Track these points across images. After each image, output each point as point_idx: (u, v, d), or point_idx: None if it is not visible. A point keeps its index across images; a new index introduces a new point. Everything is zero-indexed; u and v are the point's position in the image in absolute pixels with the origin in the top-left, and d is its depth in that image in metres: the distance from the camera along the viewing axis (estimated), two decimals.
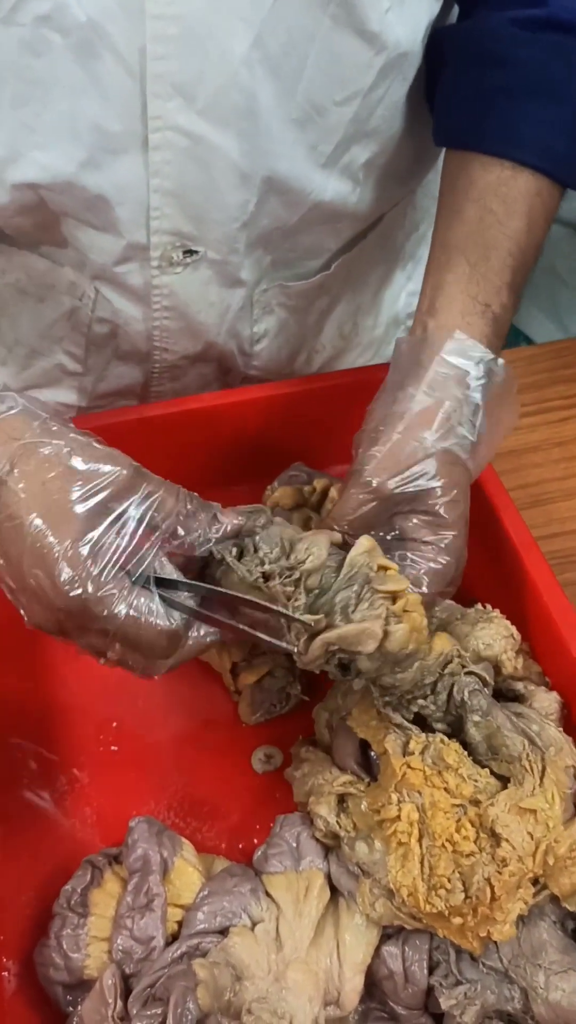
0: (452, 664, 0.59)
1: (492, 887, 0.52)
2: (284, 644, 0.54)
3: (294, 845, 0.61)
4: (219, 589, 0.54)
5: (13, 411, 0.53)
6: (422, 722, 0.60)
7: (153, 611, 0.51)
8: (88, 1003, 0.55)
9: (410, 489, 0.59)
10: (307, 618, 0.53)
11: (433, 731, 0.59)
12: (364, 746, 0.62)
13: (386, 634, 0.52)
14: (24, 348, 0.83)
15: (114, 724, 0.71)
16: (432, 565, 0.58)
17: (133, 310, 0.76)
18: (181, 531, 0.53)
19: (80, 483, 0.50)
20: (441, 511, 0.59)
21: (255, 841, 0.65)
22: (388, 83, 0.68)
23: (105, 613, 0.49)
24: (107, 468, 0.51)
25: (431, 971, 0.57)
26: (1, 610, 0.76)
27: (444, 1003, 0.56)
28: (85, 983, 0.57)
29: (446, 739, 0.58)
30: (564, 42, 0.65)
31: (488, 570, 0.71)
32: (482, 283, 0.63)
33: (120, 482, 0.51)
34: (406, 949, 0.57)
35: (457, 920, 0.52)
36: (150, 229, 0.69)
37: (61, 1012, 0.58)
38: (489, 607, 0.68)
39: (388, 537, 0.60)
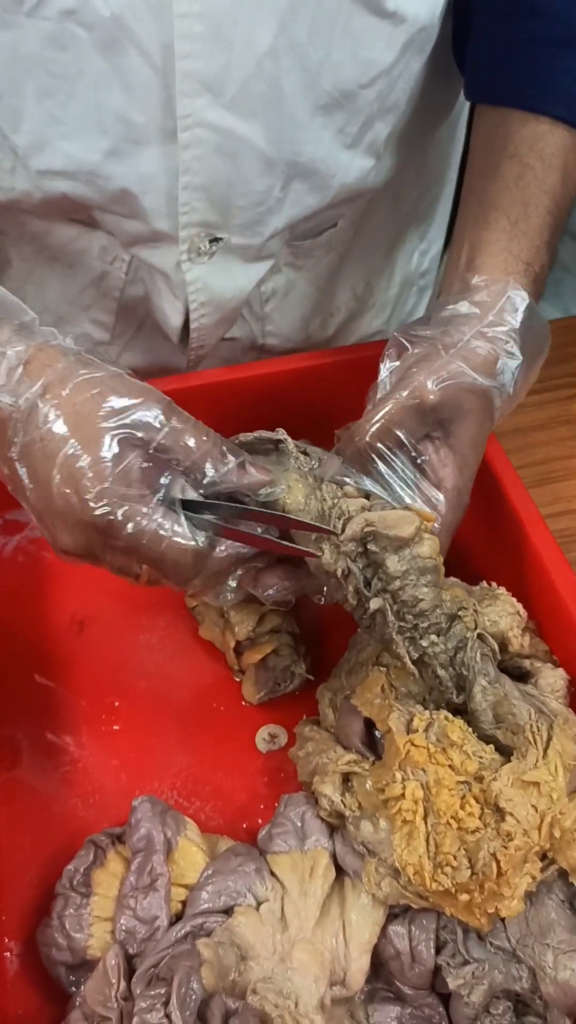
0: (467, 614, 0.58)
1: (498, 862, 0.51)
2: (309, 549, 0.55)
3: (299, 824, 0.60)
4: (244, 506, 0.55)
5: (50, 342, 0.54)
6: (425, 701, 0.60)
7: (178, 530, 0.51)
8: (91, 983, 0.55)
9: (445, 417, 0.59)
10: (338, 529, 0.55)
11: (440, 706, 0.59)
12: (368, 725, 0.62)
13: (419, 537, 0.55)
14: (50, 316, 0.83)
15: (116, 704, 0.70)
16: (443, 507, 0.59)
17: (165, 283, 0.76)
18: (209, 469, 0.53)
19: (112, 409, 0.51)
20: (465, 451, 0.59)
21: (259, 821, 0.65)
22: (408, 58, 0.68)
23: (131, 529, 0.50)
24: (139, 399, 0.52)
25: (438, 951, 0.56)
26: (2, 589, 0.76)
27: (451, 983, 0.55)
28: (88, 963, 0.57)
29: (450, 716, 0.57)
30: None
31: (495, 548, 0.70)
32: (523, 241, 0.63)
33: (152, 413, 0.52)
34: (412, 929, 0.56)
35: (464, 897, 0.52)
36: (179, 223, 0.70)
37: (64, 992, 0.58)
38: (495, 585, 0.67)
39: (399, 462, 0.60)
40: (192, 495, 0.53)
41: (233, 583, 0.57)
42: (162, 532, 0.51)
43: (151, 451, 0.52)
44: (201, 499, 0.53)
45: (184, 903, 0.58)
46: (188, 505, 0.53)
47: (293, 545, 0.56)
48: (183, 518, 0.52)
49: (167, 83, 0.62)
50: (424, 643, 0.57)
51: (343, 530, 0.55)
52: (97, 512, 0.50)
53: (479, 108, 0.70)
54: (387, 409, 0.58)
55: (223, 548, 0.54)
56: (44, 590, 0.77)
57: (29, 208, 0.72)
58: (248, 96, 0.63)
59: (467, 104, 0.85)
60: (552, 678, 0.63)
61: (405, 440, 0.59)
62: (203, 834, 0.62)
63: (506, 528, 0.69)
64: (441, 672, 0.58)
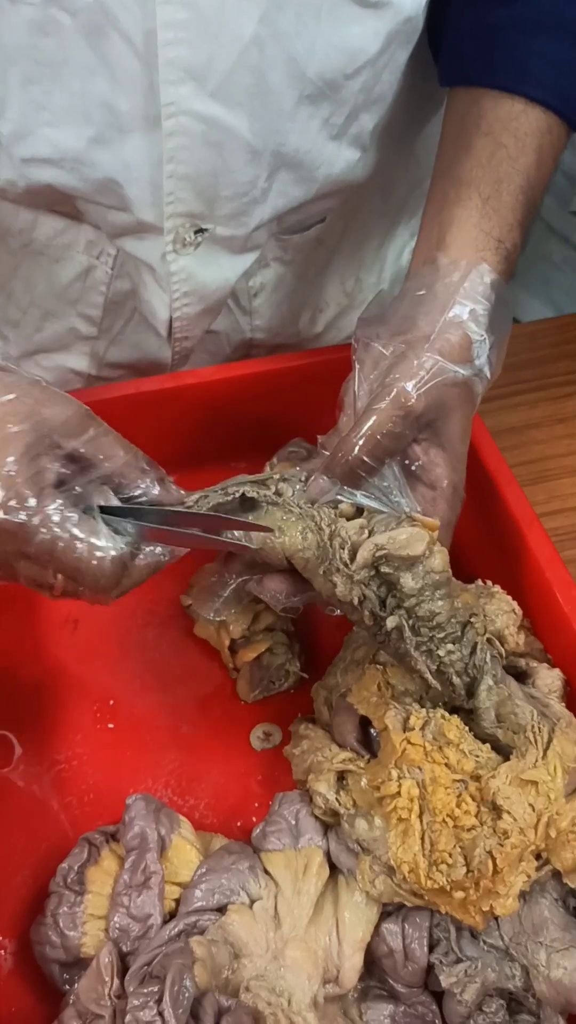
0: (477, 620, 0.58)
1: (494, 860, 0.51)
2: (243, 542, 0.55)
3: (293, 823, 0.60)
4: (172, 509, 0.54)
5: None
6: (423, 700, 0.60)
7: (94, 537, 0.50)
8: (85, 981, 0.55)
9: (432, 417, 0.58)
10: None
11: (437, 705, 0.59)
12: (364, 724, 0.62)
13: (430, 552, 0.55)
14: (38, 310, 0.83)
15: (111, 702, 0.70)
16: (441, 506, 0.58)
17: (150, 277, 0.76)
18: (125, 480, 0.53)
19: (29, 414, 0.50)
20: (456, 448, 0.59)
21: (253, 819, 0.65)
22: (393, 49, 0.68)
23: (43, 535, 0.49)
24: (57, 406, 0.51)
25: (431, 949, 0.56)
26: None
27: (444, 981, 0.55)
28: (82, 961, 0.57)
29: (447, 715, 0.57)
30: None
31: (490, 546, 0.70)
32: (495, 218, 0.62)
33: (70, 421, 0.51)
34: (406, 927, 0.57)
35: (459, 894, 0.52)
36: (164, 213, 0.69)
37: (58, 990, 0.58)
38: (491, 583, 0.67)
39: (395, 468, 0.59)
40: (114, 501, 0.52)
41: (224, 594, 0.57)
42: (77, 538, 0.49)
43: (67, 459, 0.51)
44: (122, 505, 0.52)
45: (178, 901, 0.58)
46: (108, 512, 0.51)
47: (226, 540, 0.54)
48: (101, 524, 0.50)
49: (151, 70, 0.61)
50: (441, 653, 0.56)
51: (351, 558, 0.55)
52: (5, 516, 0.48)
53: (452, 91, 0.69)
54: (372, 421, 0.56)
55: (143, 556, 0.53)
56: None
57: (13, 198, 0.71)
58: (233, 85, 0.63)
59: None
60: (549, 679, 0.63)
61: (395, 449, 0.57)
62: (197, 832, 0.62)
63: (501, 526, 0.69)
64: (456, 680, 0.57)
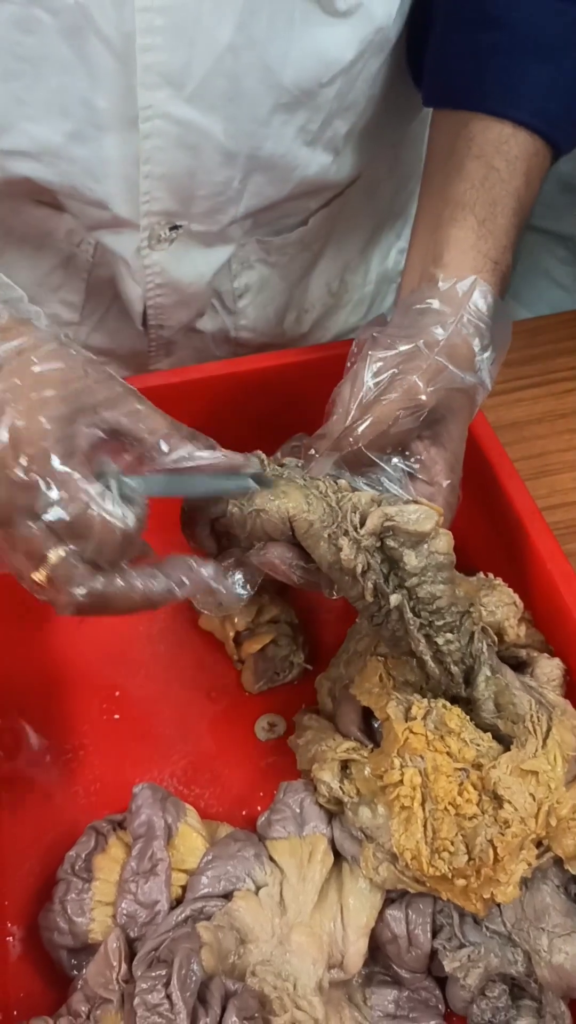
0: (475, 610, 0.59)
1: (495, 848, 0.52)
2: (231, 481, 0.54)
3: (297, 811, 0.61)
4: (183, 478, 0.53)
5: (32, 320, 0.53)
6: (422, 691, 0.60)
7: (109, 506, 0.49)
8: (93, 966, 0.56)
9: (438, 414, 0.59)
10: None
11: (438, 695, 0.59)
12: (366, 714, 0.62)
13: (436, 532, 0.55)
14: None
15: (117, 693, 0.71)
16: (439, 501, 0.59)
17: (126, 269, 0.76)
18: (164, 448, 0.52)
19: (75, 381, 0.50)
20: (456, 449, 0.60)
21: (258, 808, 0.66)
22: (366, 58, 0.68)
23: (58, 497, 0.48)
24: (104, 378, 0.51)
25: (434, 934, 0.57)
26: (1, 580, 0.77)
27: (448, 966, 0.56)
28: (89, 947, 0.58)
29: (448, 704, 0.58)
30: (557, 5, 0.64)
31: (492, 539, 0.71)
32: (490, 240, 0.63)
33: (114, 393, 0.51)
34: (409, 913, 0.57)
35: (461, 882, 0.53)
36: (140, 212, 0.70)
37: (66, 976, 0.59)
38: (492, 576, 0.67)
39: (396, 460, 0.60)
40: (135, 479, 0.52)
41: (239, 576, 0.57)
42: (92, 505, 0.49)
43: (106, 430, 0.51)
44: (136, 480, 0.52)
45: (184, 888, 0.59)
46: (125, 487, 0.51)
47: (219, 480, 0.54)
48: (117, 496, 0.50)
49: (128, 72, 0.62)
50: (439, 640, 0.56)
51: (361, 524, 0.54)
52: (31, 469, 0.48)
53: (438, 112, 0.70)
54: (380, 411, 0.57)
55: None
56: None
57: None
58: (208, 91, 0.64)
59: None
60: (548, 668, 0.63)
61: (397, 442, 0.58)
62: (203, 820, 0.63)
63: (503, 520, 0.70)
64: (454, 668, 0.57)
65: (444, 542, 0.55)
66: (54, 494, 0.48)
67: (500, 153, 0.64)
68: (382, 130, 0.78)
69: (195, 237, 0.74)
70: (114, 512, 0.50)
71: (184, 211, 0.71)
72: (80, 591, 0.50)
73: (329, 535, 0.54)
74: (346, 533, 0.54)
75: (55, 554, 0.49)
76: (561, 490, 0.85)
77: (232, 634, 0.71)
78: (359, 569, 0.54)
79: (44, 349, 0.51)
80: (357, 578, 0.54)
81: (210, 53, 0.62)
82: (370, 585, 0.54)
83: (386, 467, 0.58)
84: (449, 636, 0.57)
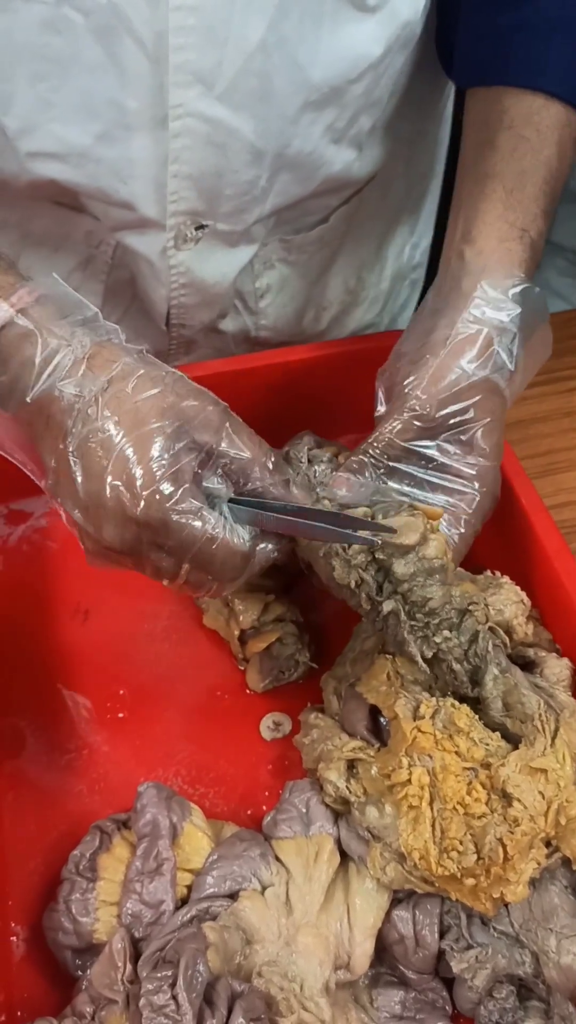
0: (477, 609, 0.59)
1: (504, 847, 0.51)
2: (370, 538, 0.56)
3: (304, 810, 0.61)
4: (297, 506, 0.56)
5: (112, 339, 0.54)
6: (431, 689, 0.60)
7: (230, 532, 0.52)
8: (97, 967, 0.55)
9: (454, 419, 0.60)
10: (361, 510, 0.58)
11: (446, 694, 0.59)
12: (373, 713, 0.62)
13: (424, 540, 0.56)
14: None
15: (121, 691, 0.71)
16: (471, 496, 0.60)
17: (149, 270, 0.76)
18: (256, 478, 0.54)
19: (171, 409, 0.51)
20: (481, 442, 0.60)
21: (264, 808, 0.65)
22: (393, 54, 0.69)
23: (184, 530, 0.51)
24: (197, 402, 0.52)
25: (442, 935, 0.57)
26: (7, 578, 0.77)
27: (455, 967, 0.55)
28: (94, 947, 0.57)
29: (456, 703, 0.58)
30: None
31: (499, 538, 0.70)
32: (519, 209, 0.63)
33: (208, 415, 0.52)
34: (417, 913, 0.57)
35: (470, 881, 0.52)
36: (167, 212, 0.70)
37: (70, 976, 0.58)
38: (499, 574, 0.67)
39: (417, 465, 0.61)
40: (234, 497, 0.54)
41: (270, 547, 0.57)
42: (214, 533, 0.52)
43: (203, 453, 0.52)
44: (249, 499, 0.54)
45: (189, 888, 0.58)
46: (235, 503, 0.54)
47: (354, 534, 0.55)
48: (231, 518, 0.53)
49: (159, 72, 0.62)
50: (438, 639, 0.57)
51: (350, 544, 0.57)
52: (152, 511, 0.50)
53: (471, 91, 0.71)
54: (393, 427, 0.60)
55: (263, 548, 0.55)
56: (49, 580, 0.77)
57: (14, 192, 0.72)
58: (239, 89, 0.64)
59: (452, 99, 0.86)
60: (557, 668, 0.63)
61: (417, 449, 0.60)
62: (208, 820, 0.62)
63: (510, 518, 0.70)
64: (456, 667, 0.58)
65: (433, 548, 0.57)
66: (177, 529, 0.51)
67: (531, 124, 0.65)
68: (400, 126, 0.78)
69: (220, 237, 0.74)
70: (234, 540, 0.53)
71: (210, 210, 0.71)
72: (208, 593, 0.55)
73: (324, 554, 0.58)
74: (337, 554, 0.57)
75: (183, 575, 0.53)
76: (567, 488, 0.85)
77: (237, 632, 0.70)
78: (352, 584, 0.57)
79: (135, 376, 0.52)
80: (353, 591, 0.57)
81: (241, 52, 0.62)
82: (364, 595, 0.57)
83: (414, 471, 0.60)
84: (447, 634, 0.58)
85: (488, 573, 0.67)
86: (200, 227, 0.72)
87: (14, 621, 0.74)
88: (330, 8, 0.63)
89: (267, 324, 0.86)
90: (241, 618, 0.70)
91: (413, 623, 0.57)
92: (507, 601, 0.65)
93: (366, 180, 0.80)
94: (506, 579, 0.67)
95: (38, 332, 0.52)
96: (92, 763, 0.67)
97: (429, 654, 0.58)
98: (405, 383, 0.60)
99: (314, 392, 0.78)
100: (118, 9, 0.60)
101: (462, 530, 0.60)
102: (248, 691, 0.71)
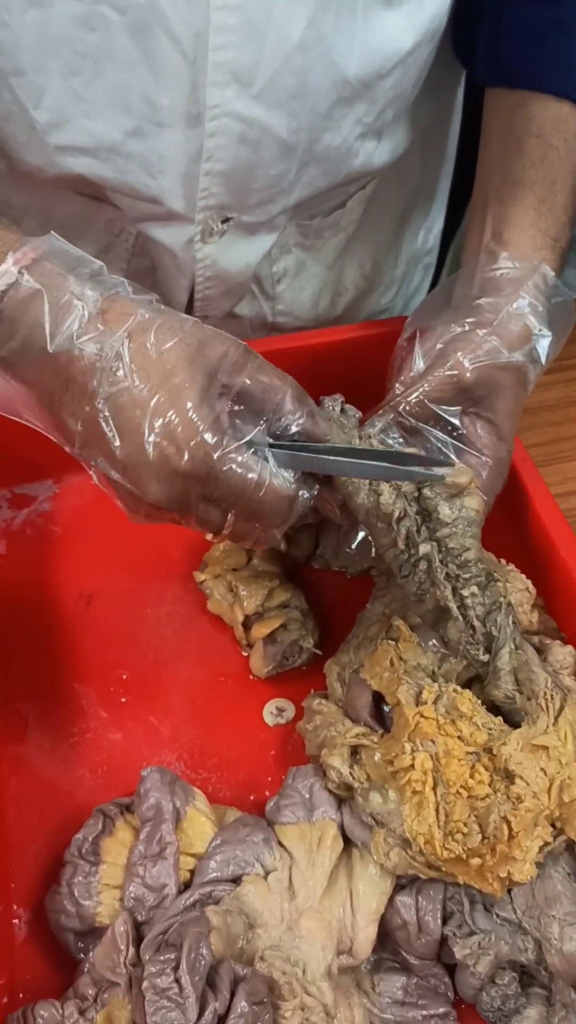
0: (500, 581, 0.60)
1: (509, 824, 0.51)
2: (427, 472, 0.56)
3: (307, 796, 0.60)
4: (348, 447, 0.56)
5: (120, 292, 0.53)
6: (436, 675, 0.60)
7: (275, 476, 0.52)
8: (100, 949, 0.55)
9: (483, 393, 0.61)
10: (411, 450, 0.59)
11: (447, 680, 0.59)
12: (377, 699, 0.62)
13: (470, 490, 0.58)
14: None
15: (124, 676, 0.71)
16: (485, 473, 0.62)
17: (171, 261, 0.76)
18: (287, 415, 0.54)
19: (196, 356, 0.50)
20: (500, 423, 0.62)
21: (267, 793, 0.65)
22: (421, 47, 0.69)
23: (231, 477, 0.50)
24: (220, 344, 0.52)
25: (445, 921, 0.57)
26: (10, 562, 0.77)
27: (458, 952, 0.55)
28: (96, 930, 0.57)
29: (459, 688, 0.58)
30: None
31: (505, 526, 0.70)
32: (550, 218, 0.65)
33: (231, 356, 0.52)
34: (420, 899, 0.57)
35: (476, 861, 0.52)
36: (197, 207, 0.70)
37: (72, 959, 0.58)
38: (505, 562, 0.67)
39: (444, 431, 0.62)
40: (270, 440, 0.54)
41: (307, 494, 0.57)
42: (261, 478, 0.51)
43: (234, 396, 0.52)
44: (289, 443, 0.54)
45: (192, 872, 0.58)
46: (276, 448, 0.53)
47: (411, 469, 0.55)
48: (273, 462, 0.52)
49: (196, 70, 0.62)
50: (465, 592, 0.58)
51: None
52: (198, 463, 0.49)
53: (494, 90, 0.71)
54: (425, 386, 0.61)
55: (302, 495, 0.55)
56: (52, 564, 0.77)
57: (39, 181, 0.71)
58: (275, 88, 0.64)
59: (462, 80, 0.86)
60: (562, 655, 0.63)
61: (443, 414, 0.61)
62: (211, 805, 0.62)
63: (516, 506, 0.69)
64: (476, 624, 0.58)
65: (477, 500, 0.58)
66: (225, 479, 0.50)
67: (559, 132, 0.65)
68: (419, 113, 0.78)
69: (243, 227, 0.74)
70: (280, 484, 0.52)
71: (237, 204, 0.71)
72: (254, 541, 0.55)
73: (371, 480, 0.57)
74: (387, 481, 0.57)
75: (230, 523, 0.53)
76: (574, 476, 0.85)
77: (241, 618, 0.70)
78: (396, 515, 0.57)
79: (154, 328, 0.51)
80: (392, 524, 0.57)
81: (281, 50, 0.62)
82: (403, 531, 0.57)
83: (432, 438, 0.61)
84: (475, 590, 0.58)
85: (494, 561, 0.67)
86: (226, 220, 0.72)
87: (17, 605, 0.74)
88: (362, 3, 0.63)
89: (283, 309, 0.85)
90: (245, 603, 0.70)
91: (447, 571, 0.58)
92: (512, 589, 0.65)
93: (385, 167, 0.80)
94: (511, 567, 0.67)
95: (45, 291, 0.50)
96: (95, 747, 0.67)
97: (458, 603, 0.58)
98: (449, 347, 0.61)
99: (330, 377, 0.78)
100: (156, 7, 0.59)
101: (485, 497, 0.61)
102: (252, 677, 0.71)
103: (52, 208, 0.76)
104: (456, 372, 0.60)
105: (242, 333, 0.86)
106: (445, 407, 0.61)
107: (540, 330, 0.62)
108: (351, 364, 0.77)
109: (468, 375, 0.60)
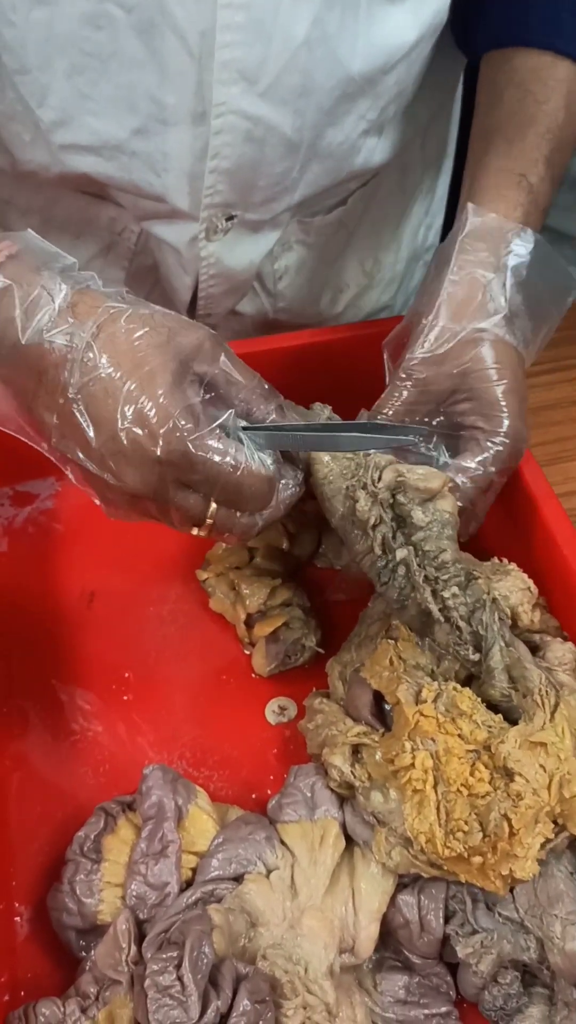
0: (481, 577, 0.60)
1: (509, 822, 0.51)
2: (404, 438, 0.57)
3: (309, 795, 0.60)
4: (309, 424, 0.56)
5: (90, 286, 0.53)
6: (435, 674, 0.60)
7: (251, 458, 0.52)
8: (102, 947, 0.55)
9: (457, 381, 0.61)
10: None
11: (447, 679, 0.59)
12: (378, 698, 0.62)
13: (443, 493, 0.58)
14: None
15: (126, 674, 0.71)
16: (491, 448, 0.61)
17: (175, 259, 0.76)
18: (255, 407, 0.54)
19: (167, 344, 0.51)
20: (495, 396, 0.61)
21: (268, 792, 0.65)
22: (424, 42, 0.69)
23: (207, 462, 0.50)
24: (191, 334, 0.52)
25: (447, 920, 0.57)
26: (12, 560, 0.76)
27: (460, 951, 0.55)
28: (98, 928, 0.57)
29: (459, 686, 0.58)
30: None
31: (507, 525, 0.70)
32: (518, 157, 0.64)
33: (203, 346, 0.52)
34: (422, 898, 0.57)
35: (477, 859, 0.52)
36: (202, 204, 0.70)
37: (74, 957, 0.58)
38: (506, 561, 0.67)
39: (434, 423, 0.63)
40: (243, 424, 0.54)
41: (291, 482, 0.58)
42: (237, 460, 0.51)
43: (204, 384, 0.52)
44: (263, 425, 0.54)
45: (194, 870, 0.58)
46: (250, 432, 0.54)
47: (389, 436, 0.56)
48: (250, 445, 0.53)
49: (202, 69, 0.62)
50: (446, 594, 0.58)
51: (380, 478, 0.57)
52: (172, 447, 0.49)
53: (485, 57, 0.72)
54: (395, 397, 0.62)
55: (284, 483, 0.55)
56: (55, 562, 0.77)
57: (41, 181, 0.71)
58: (281, 86, 0.64)
59: (461, 77, 0.86)
60: (561, 651, 0.63)
61: (426, 411, 0.61)
62: (213, 803, 0.62)
63: (518, 506, 0.69)
64: (462, 624, 0.58)
65: (449, 503, 0.58)
66: (200, 461, 0.50)
67: (539, 79, 0.66)
68: (419, 109, 0.78)
69: (247, 225, 0.74)
70: (256, 466, 0.52)
71: (241, 201, 0.71)
72: (238, 531, 0.54)
73: (347, 487, 0.58)
74: (364, 487, 0.57)
75: (211, 513, 0.53)
76: (575, 476, 0.84)
77: (243, 616, 0.70)
78: (372, 521, 0.57)
79: (124, 317, 0.51)
80: (368, 531, 0.57)
81: (287, 48, 0.62)
82: (379, 537, 0.57)
83: (418, 440, 0.61)
84: (455, 591, 0.58)
85: (495, 560, 0.67)
86: (230, 218, 0.72)
87: (19, 603, 0.74)
88: (365, 1, 0.63)
89: (284, 306, 0.86)
90: (248, 602, 0.70)
91: (426, 573, 0.58)
92: (513, 588, 0.64)
93: (387, 163, 0.80)
94: (513, 566, 0.66)
95: (15, 286, 0.51)
96: (97, 745, 0.67)
97: (439, 605, 0.58)
98: (407, 352, 0.62)
99: (330, 375, 0.78)
100: (163, 6, 0.59)
101: (490, 469, 0.61)
102: (254, 675, 0.71)
103: (55, 207, 0.76)
104: (414, 376, 0.61)
105: (243, 330, 0.86)
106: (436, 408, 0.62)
107: (490, 278, 0.61)
108: (351, 364, 0.77)
109: (425, 375, 0.60)
